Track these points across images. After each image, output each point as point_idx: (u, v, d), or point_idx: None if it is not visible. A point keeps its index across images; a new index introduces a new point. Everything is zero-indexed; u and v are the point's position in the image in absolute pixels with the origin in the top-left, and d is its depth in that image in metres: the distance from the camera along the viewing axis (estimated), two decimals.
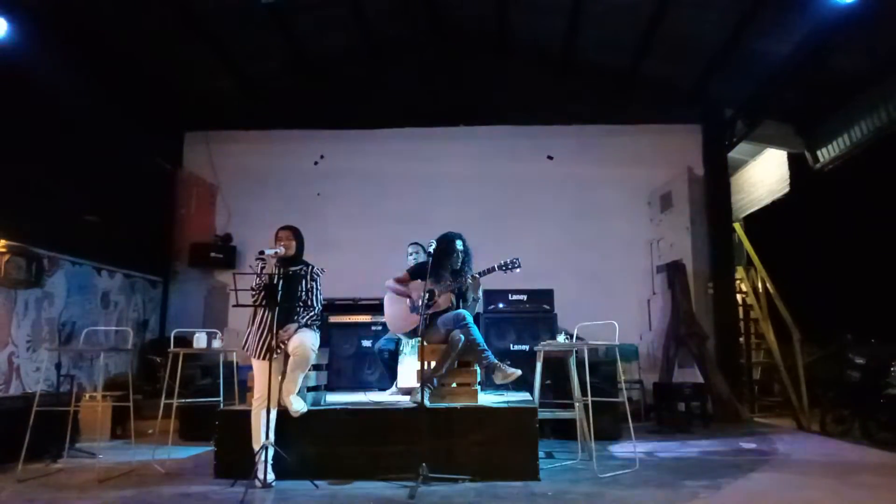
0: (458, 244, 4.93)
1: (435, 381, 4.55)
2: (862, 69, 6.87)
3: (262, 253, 4.26)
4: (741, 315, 8.79)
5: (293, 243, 4.43)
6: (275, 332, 4.15)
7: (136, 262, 7.96)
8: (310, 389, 4.58)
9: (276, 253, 4.27)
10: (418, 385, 4.42)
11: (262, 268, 4.28)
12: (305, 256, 4.56)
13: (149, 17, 6.90)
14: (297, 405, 4.22)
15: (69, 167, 6.64)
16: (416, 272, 5.18)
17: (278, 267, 4.27)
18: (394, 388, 5.42)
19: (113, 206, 7.31)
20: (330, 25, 8.19)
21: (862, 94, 7.21)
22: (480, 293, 5.19)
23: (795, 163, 8.60)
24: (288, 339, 4.27)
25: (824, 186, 8.45)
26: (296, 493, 3.92)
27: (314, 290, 4.45)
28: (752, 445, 5.72)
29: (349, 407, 4.64)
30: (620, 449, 5.46)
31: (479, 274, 4.85)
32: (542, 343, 5.03)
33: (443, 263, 4.86)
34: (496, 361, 4.59)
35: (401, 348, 5.43)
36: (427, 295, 4.71)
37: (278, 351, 4.20)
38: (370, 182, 8.71)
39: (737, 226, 9.03)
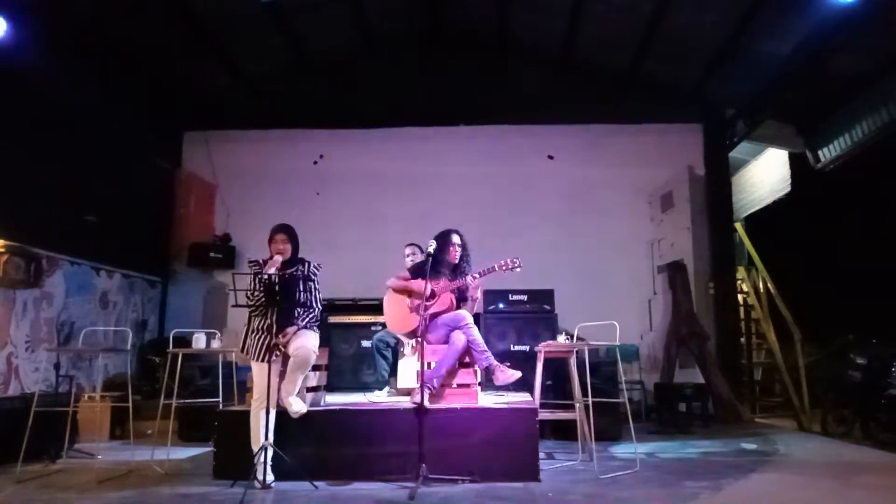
0: (455, 238, 4.91)
1: (435, 381, 4.54)
2: (863, 68, 6.86)
3: (257, 264, 4.24)
4: (742, 315, 8.78)
5: (289, 246, 4.37)
6: (274, 333, 4.13)
7: (135, 262, 7.95)
8: (309, 390, 4.57)
9: (277, 268, 4.22)
10: (418, 386, 4.41)
11: (257, 273, 4.25)
12: (304, 255, 4.53)
13: (148, 17, 6.89)
14: (297, 406, 4.20)
15: (68, 167, 6.63)
16: (417, 272, 5.16)
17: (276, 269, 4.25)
18: (390, 388, 5.40)
19: (112, 206, 7.30)
20: (329, 25, 8.17)
21: (863, 94, 7.19)
22: (479, 294, 5.16)
23: (797, 162, 8.59)
24: (287, 343, 4.24)
25: (826, 186, 8.45)
26: (295, 493, 3.91)
27: (313, 291, 4.41)
28: (753, 446, 5.70)
29: (349, 407, 4.63)
30: (621, 449, 5.43)
31: (479, 274, 4.82)
32: (542, 343, 5.01)
33: (441, 260, 4.84)
34: (496, 363, 4.57)
35: (401, 349, 5.41)
36: (427, 294, 4.69)
37: (277, 353, 4.18)
38: (369, 182, 8.70)
39: (738, 225, 9.02)
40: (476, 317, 5.06)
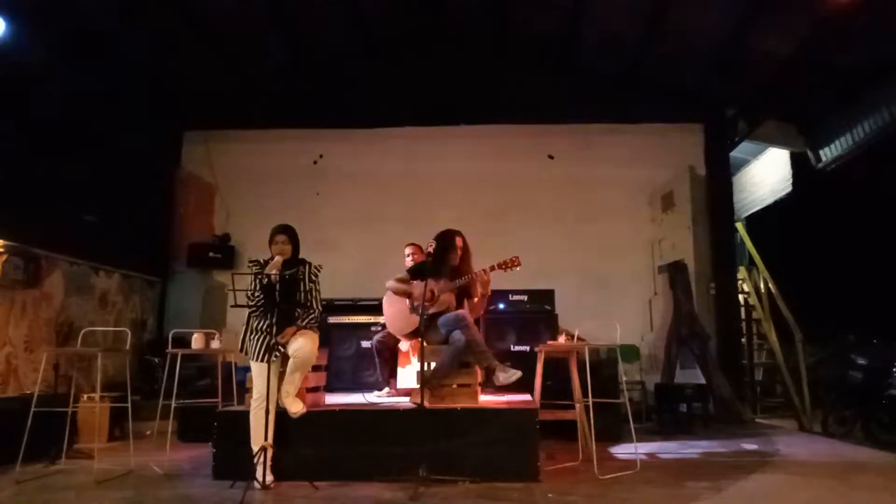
0: (458, 240, 4.90)
1: (435, 381, 4.52)
2: (863, 68, 6.85)
3: (258, 264, 4.24)
4: (743, 315, 8.75)
5: (289, 247, 4.37)
6: (273, 334, 4.13)
7: (135, 263, 7.94)
8: (309, 390, 4.56)
9: (278, 269, 4.20)
10: (418, 386, 4.40)
11: (257, 273, 4.25)
12: (303, 255, 4.52)
13: (148, 17, 6.88)
14: (297, 406, 4.20)
15: (67, 167, 6.61)
16: (416, 272, 5.15)
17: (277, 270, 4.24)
18: (389, 389, 5.38)
19: (111, 205, 7.29)
20: (329, 25, 8.17)
21: (864, 94, 7.19)
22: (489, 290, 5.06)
23: (798, 162, 8.58)
24: (287, 343, 4.23)
25: (827, 186, 8.45)
26: (295, 494, 3.90)
27: (313, 292, 4.40)
28: (754, 446, 5.69)
29: (349, 408, 4.63)
30: (621, 450, 5.43)
31: (485, 271, 4.79)
32: (542, 343, 5.00)
33: (442, 261, 4.83)
34: (497, 362, 4.56)
35: (401, 349, 5.39)
36: (427, 295, 4.68)
37: (277, 354, 4.17)
38: (369, 182, 8.69)
39: (739, 225, 9.01)
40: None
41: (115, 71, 7.32)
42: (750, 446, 5.70)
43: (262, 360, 4.15)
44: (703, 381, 7.24)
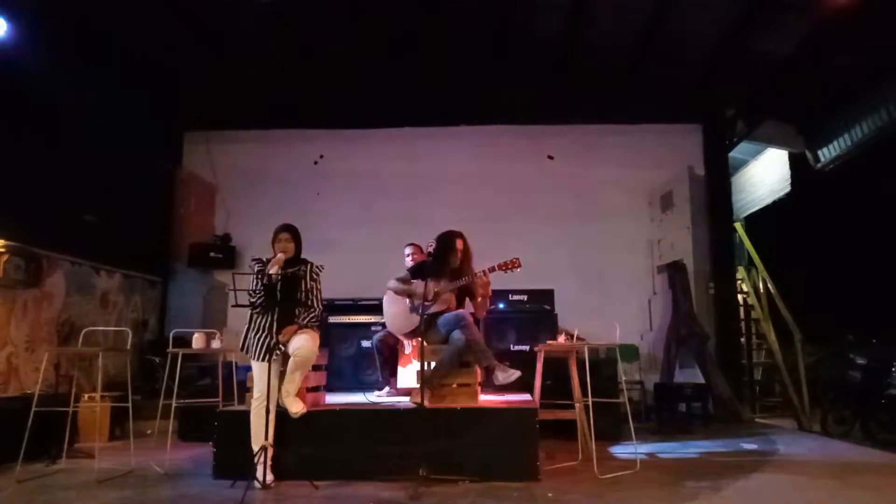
0: (458, 242, 4.91)
1: (435, 381, 4.53)
2: (862, 68, 6.86)
3: (261, 262, 4.26)
4: (742, 315, 8.77)
5: (292, 245, 4.39)
6: (274, 332, 4.14)
7: (136, 262, 7.95)
8: (309, 390, 4.57)
9: (280, 267, 4.22)
10: (418, 386, 4.41)
11: (259, 271, 4.27)
12: (304, 255, 4.54)
13: (148, 17, 6.89)
14: (297, 406, 4.21)
15: (68, 167, 6.62)
16: (417, 272, 5.16)
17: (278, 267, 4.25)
18: (389, 388, 5.39)
19: (112, 205, 7.29)
20: (329, 25, 8.18)
21: (863, 94, 7.20)
22: (490, 290, 5.08)
23: (796, 162, 8.60)
24: (287, 342, 4.25)
25: (825, 186, 8.46)
26: (295, 493, 3.91)
27: (314, 291, 4.42)
28: (754, 446, 5.70)
29: (349, 408, 4.64)
30: (621, 450, 5.44)
31: (485, 272, 4.81)
32: (542, 343, 5.01)
33: (443, 262, 4.84)
34: (496, 362, 4.58)
35: (401, 349, 5.40)
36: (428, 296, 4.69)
37: (278, 353, 4.19)
38: (370, 182, 8.70)
39: (738, 225, 9.02)
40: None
41: (116, 71, 7.32)
42: (749, 446, 5.71)
43: (262, 360, 4.17)
44: (702, 380, 7.25)
